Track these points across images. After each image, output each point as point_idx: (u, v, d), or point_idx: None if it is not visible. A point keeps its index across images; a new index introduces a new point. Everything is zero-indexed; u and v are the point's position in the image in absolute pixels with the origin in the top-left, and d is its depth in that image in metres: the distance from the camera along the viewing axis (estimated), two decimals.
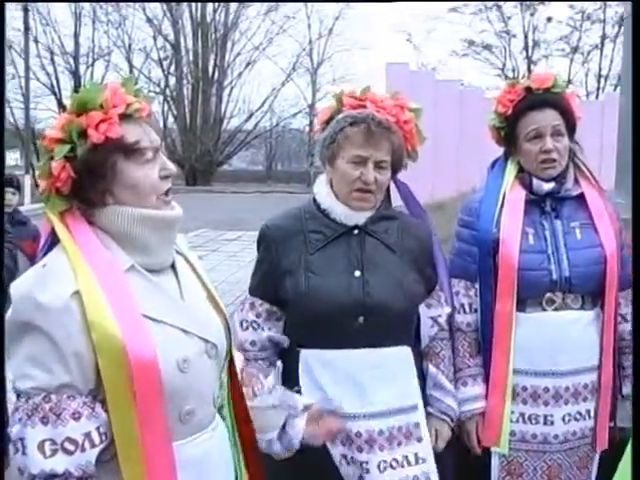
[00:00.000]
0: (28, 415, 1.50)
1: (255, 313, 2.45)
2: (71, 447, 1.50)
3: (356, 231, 2.42)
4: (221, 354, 1.78)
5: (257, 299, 2.47)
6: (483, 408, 2.64)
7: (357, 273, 2.37)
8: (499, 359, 2.58)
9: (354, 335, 2.34)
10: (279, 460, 2.08)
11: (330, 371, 2.35)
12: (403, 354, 2.43)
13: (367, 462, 2.32)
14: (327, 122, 2.55)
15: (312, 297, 2.34)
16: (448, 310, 2.57)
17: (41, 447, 1.48)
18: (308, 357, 2.38)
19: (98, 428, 1.53)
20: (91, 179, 1.61)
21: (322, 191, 2.48)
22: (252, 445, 1.94)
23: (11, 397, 1.58)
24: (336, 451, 2.35)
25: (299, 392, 2.21)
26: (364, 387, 2.34)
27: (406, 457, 2.37)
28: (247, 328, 2.45)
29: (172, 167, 1.71)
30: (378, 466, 2.32)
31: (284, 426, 2.00)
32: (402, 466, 2.36)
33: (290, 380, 2.32)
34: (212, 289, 1.85)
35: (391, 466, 2.34)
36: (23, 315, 1.52)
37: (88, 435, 1.51)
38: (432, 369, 2.54)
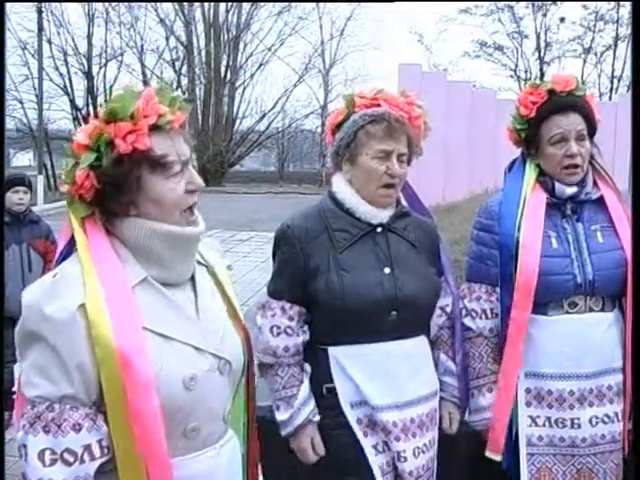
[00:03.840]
0: (30, 423, 1.51)
1: (288, 317, 2.44)
2: (70, 458, 1.50)
3: (379, 229, 2.47)
4: (236, 370, 1.75)
5: (286, 303, 2.45)
6: None
7: (387, 270, 2.43)
8: (508, 363, 2.57)
9: (386, 329, 2.40)
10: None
11: (363, 366, 2.40)
12: (424, 343, 2.54)
13: (404, 450, 2.39)
14: (339, 125, 2.57)
15: (347, 295, 2.37)
16: (452, 299, 2.64)
17: (41, 456, 1.49)
18: (338, 354, 2.42)
19: (100, 441, 1.53)
20: (114, 191, 1.59)
21: (344, 190, 2.49)
22: (254, 461, 1.96)
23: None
24: (366, 442, 2.40)
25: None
26: (396, 378, 2.41)
27: (430, 441, 2.49)
28: (279, 334, 2.44)
29: (199, 181, 1.69)
30: (413, 453, 2.41)
31: None
32: (428, 449, 2.48)
33: (318, 378, 2.44)
34: (234, 301, 1.83)
35: (422, 451, 2.45)
36: (30, 324, 1.53)
37: (88, 447, 1.51)
38: (442, 356, 2.64)
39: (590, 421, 2.57)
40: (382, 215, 2.47)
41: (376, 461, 2.40)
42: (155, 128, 1.59)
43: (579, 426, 2.57)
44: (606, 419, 2.59)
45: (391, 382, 2.40)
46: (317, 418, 2.42)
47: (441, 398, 2.59)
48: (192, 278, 1.74)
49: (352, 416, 2.40)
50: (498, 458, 2.60)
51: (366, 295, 2.37)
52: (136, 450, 1.51)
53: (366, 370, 2.39)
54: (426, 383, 2.51)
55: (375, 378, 2.39)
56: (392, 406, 2.39)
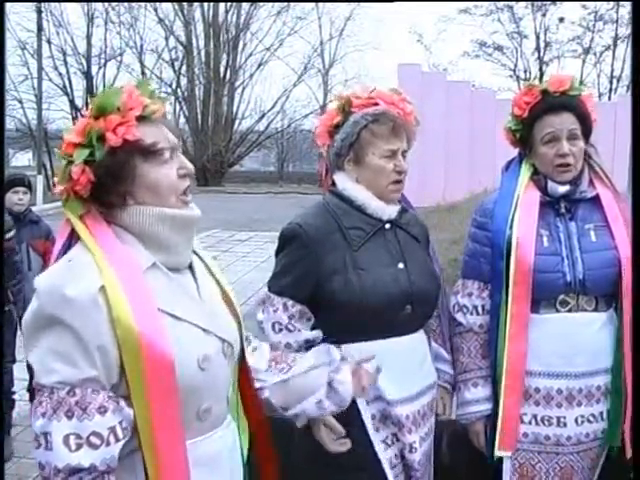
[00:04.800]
0: (54, 409, 1.50)
1: (289, 315, 2.44)
2: (97, 441, 1.50)
3: (388, 225, 2.51)
4: (236, 354, 1.80)
5: (289, 300, 2.45)
6: (490, 410, 2.67)
7: (400, 265, 2.47)
8: (514, 363, 2.58)
9: (400, 324, 2.44)
10: (316, 448, 2.22)
11: (378, 361, 2.37)
12: (424, 336, 2.59)
13: (414, 441, 2.45)
14: (336, 126, 2.58)
15: (366, 293, 2.39)
16: (441, 290, 2.68)
17: (66, 441, 1.49)
18: (353, 351, 2.39)
19: (121, 422, 1.54)
20: (112, 182, 1.62)
21: (352, 187, 2.51)
22: (266, 443, 1.99)
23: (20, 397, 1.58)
24: (377, 437, 2.44)
25: None
26: (407, 372, 2.45)
27: (429, 428, 2.57)
28: (281, 330, 2.44)
29: (190, 166, 1.73)
30: (420, 443, 2.47)
31: (330, 384, 1.98)
32: (429, 437, 2.56)
33: None
34: (227, 289, 1.87)
35: (424, 439, 2.51)
36: (49, 308, 1.52)
37: (113, 429, 1.52)
38: (433, 344, 2.71)
39: (576, 420, 2.60)
40: (390, 211, 2.51)
41: (385, 455, 2.44)
42: (142, 119, 1.64)
43: (565, 425, 2.59)
44: (592, 418, 2.61)
45: (403, 376, 2.43)
46: None
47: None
48: (190, 266, 1.78)
49: (367, 412, 2.43)
50: (508, 454, 2.62)
51: (384, 292, 2.40)
52: (154, 430, 1.54)
53: (381, 365, 2.39)
54: (428, 374, 2.58)
55: (389, 373, 2.38)
56: (406, 399, 2.43)
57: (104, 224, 1.65)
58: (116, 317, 1.52)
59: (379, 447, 2.43)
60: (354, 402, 2.40)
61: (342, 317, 2.42)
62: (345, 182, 2.53)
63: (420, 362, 2.53)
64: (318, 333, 2.47)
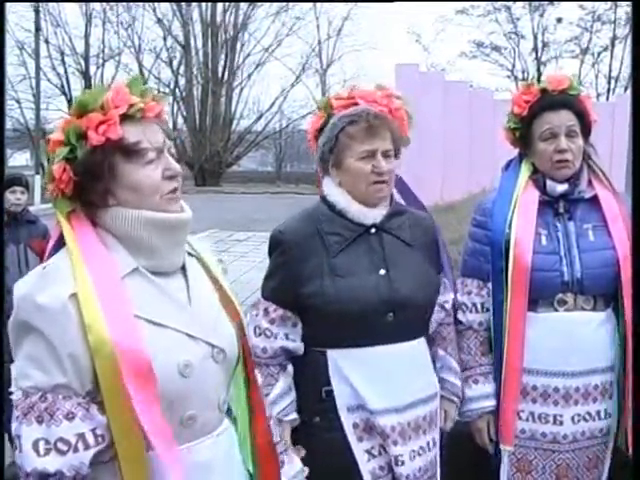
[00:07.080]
0: (24, 413, 1.51)
1: (269, 319, 2.43)
2: (64, 447, 1.49)
3: (373, 230, 2.43)
4: (231, 359, 1.75)
5: (271, 304, 2.44)
6: (494, 407, 2.67)
7: (382, 271, 2.40)
8: (512, 359, 2.59)
9: (383, 332, 2.37)
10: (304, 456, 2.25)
11: (361, 369, 2.38)
12: (423, 345, 2.50)
13: (402, 455, 2.38)
14: (319, 130, 2.55)
15: (342, 300, 2.34)
16: (452, 296, 2.64)
17: (35, 446, 1.48)
18: (336, 357, 2.40)
19: (94, 430, 1.52)
20: (90, 181, 1.60)
21: (334, 192, 2.46)
22: (267, 450, 1.91)
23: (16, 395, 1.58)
24: (360, 447, 2.39)
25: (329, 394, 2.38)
26: (395, 382, 2.38)
27: (428, 443, 2.47)
28: (260, 335, 2.43)
29: (176, 167, 1.68)
30: (410, 456, 2.40)
31: None
32: (426, 452, 2.45)
33: (317, 381, 2.41)
34: (228, 291, 1.83)
35: (419, 454, 2.42)
36: (23, 315, 1.53)
37: (82, 436, 1.51)
38: (441, 352, 2.62)
39: (572, 419, 2.61)
40: (374, 215, 2.43)
41: (368, 466, 2.39)
42: (127, 118, 1.61)
43: (561, 423, 2.61)
44: (587, 417, 2.62)
45: (390, 386, 2.37)
46: (289, 417, 2.40)
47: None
48: (183, 267, 1.74)
49: (348, 420, 2.38)
50: (509, 449, 2.63)
51: (361, 299, 2.34)
52: (137, 437, 1.52)
53: (364, 374, 2.37)
54: (425, 386, 2.48)
55: (374, 382, 2.37)
56: (391, 410, 2.37)
57: (88, 226, 1.63)
58: (87, 324, 1.50)
59: (361, 457, 2.38)
60: (335, 409, 2.38)
61: (322, 322, 2.39)
62: (329, 187, 2.48)
63: (413, 373, 2.43)
64: (298, 345, 2.45)
